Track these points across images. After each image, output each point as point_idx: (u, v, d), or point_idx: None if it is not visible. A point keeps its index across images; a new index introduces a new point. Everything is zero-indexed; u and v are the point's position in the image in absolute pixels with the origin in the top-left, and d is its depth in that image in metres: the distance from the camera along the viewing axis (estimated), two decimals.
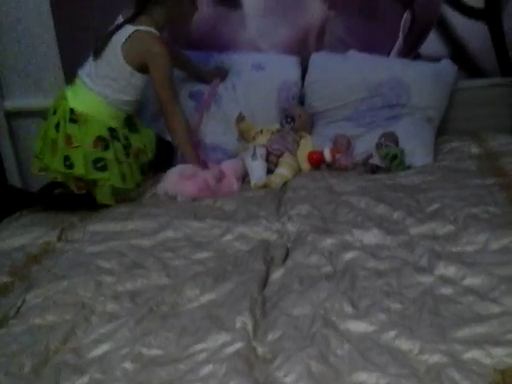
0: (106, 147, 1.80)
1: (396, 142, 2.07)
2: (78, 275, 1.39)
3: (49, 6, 2.43)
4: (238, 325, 1.13)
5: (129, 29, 1.83)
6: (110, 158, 1.80)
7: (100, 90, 1.86)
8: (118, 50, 1.83)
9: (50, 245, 1.60)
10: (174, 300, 1.26)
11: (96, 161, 1.79)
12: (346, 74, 2.27)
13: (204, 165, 2.00)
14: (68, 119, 1.81)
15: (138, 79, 1.87)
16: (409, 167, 2.03)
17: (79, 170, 1.76)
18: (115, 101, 1.87)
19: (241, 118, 2.18)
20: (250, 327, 1.12)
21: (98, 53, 1.86)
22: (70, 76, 2.51)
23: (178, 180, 1.88)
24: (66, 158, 1.78)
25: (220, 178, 1.91)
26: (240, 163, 2.04)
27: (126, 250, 1.54)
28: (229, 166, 2.00)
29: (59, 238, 1.64)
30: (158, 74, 1.84)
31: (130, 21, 1.83)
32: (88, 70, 1.91)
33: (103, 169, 1.79)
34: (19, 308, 1.28)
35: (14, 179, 2.68)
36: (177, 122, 1.96)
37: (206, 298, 1.26)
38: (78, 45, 2.48)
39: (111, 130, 1.85)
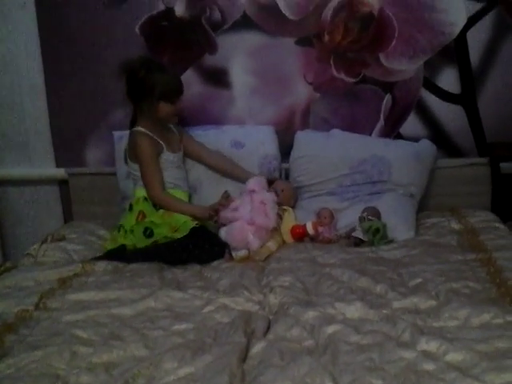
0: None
1: (378, 217, 2.11)
2: (53, 345, 1.35)
3: (42, 78, 2.52)
4: None
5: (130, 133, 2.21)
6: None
7: None
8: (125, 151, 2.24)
9: (27, 313, 1.56)
10: (151, 373, 1.22)
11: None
12: (330, 151, 2.35)
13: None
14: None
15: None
16: (391, 241, 2.05)
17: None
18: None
19: (226, 196, 2.21)
20: None
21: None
22: (58, 148, 2.58)
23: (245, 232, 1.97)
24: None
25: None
26: (263, 180, 2.19)
27: (104, 319, 1.50)
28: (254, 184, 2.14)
29: (37, 306, 1.61)
30: (140, 163, 2.14)
31: (130, 126, 2.21)
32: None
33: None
34: None
35: None
36: (162, 201, 2.12)
37: (184, 370, 1.22)
38: (67, 118, 2.56)
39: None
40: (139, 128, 2.14)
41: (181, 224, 2.05)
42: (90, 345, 1.36)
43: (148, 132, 2.14)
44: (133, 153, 2.16)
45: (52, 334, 1.42)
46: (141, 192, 2.18)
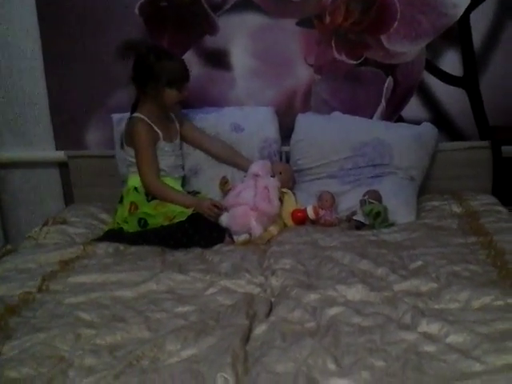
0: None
1: (379, 200, 2.11)
2: (56, 327, 1.36)
3: (42, 62, 2.50)
4: (220, 381, 1.10)
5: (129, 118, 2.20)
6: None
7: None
8: (122, 135, 2.23)
9: (30, 295, 1.56)
10: (155, 354, 1.23)
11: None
12: (331, 134, 2.34)
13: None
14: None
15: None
16: (392, 224, 2.06)
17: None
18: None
19: (224, 181, 2.21)
20: (231, 383, 1.10)
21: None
22: (57, 130, 2.57)
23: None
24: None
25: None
26: (267, 163, 2.21)
27: (107, 301, 1.51)
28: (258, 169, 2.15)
29: (40, 289, 1.62)
30: (136, 149, 2.13)
31: (131, 111, 2.19)
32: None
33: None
34: None
35: None
36: (155, 189, 2.12)
37: (187, 352, 1.23)
38: (67, 101, 2.55)
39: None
40: (139, 114, 2.13)
41: (177, 213, 2.05)
42: (93, 327, 1.37)
43: (147, 119, 2.13)
44: (130, 138, 2.15)
45: (55, 316, 1.43)
46: (132, 180, 2.17)
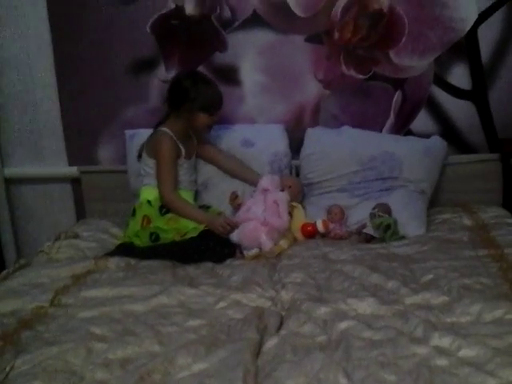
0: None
1: (389, 213, 2.11)
2: (68, 341, 1.36)
3: (54, 77, 2.55)
4: None
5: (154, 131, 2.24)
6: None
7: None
8: (144, 146, 2.25)
9: (43, 309, 1.58)
10: (166, 368, 1.23)
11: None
12: (340, 148, 2.35)
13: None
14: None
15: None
16: (402, 237, 2.05)
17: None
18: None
19: (234, 196, 2.22)
20: None
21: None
22: (70, 146, 2.61)
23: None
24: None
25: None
26: (276, 178, 2.22)
27: (118, 315, 1.52)
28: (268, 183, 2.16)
29: (52, 303, 1.63)
30: (159, 161, 2.16)
31: (157, 125, 2.24)
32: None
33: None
34: (7, 374, 1.24)
35: (10, 244, 2.69)
36: (172, 201, 2.14)
37: (198, 366, 1.23)
38: (80, 117, 2.58)
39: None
40: (166, 129, 2.18)
41: (189, 229, 2.06)
42: (105, 341, 1.37)
43: (172, 135, 2.17)
44: (153, 149, 2.18)
45: (67, 331, 1.44)
46: (146, 193, 2.19)
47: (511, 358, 1.16)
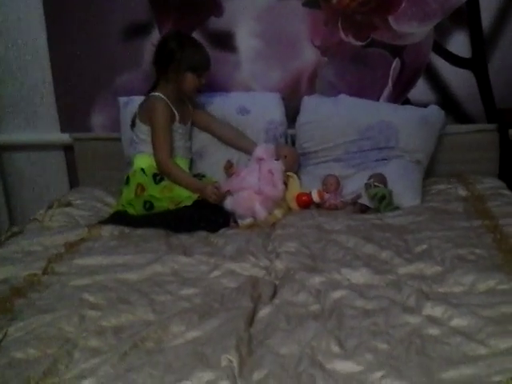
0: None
1: (385, 183, 2.10)
2: (62, 309, 1.37)
3: (46, 44, 2.49)
4: (224, 363, 1.11)
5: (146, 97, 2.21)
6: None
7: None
8: (136, 113, 2.22)
9: (36, 277, 1.57)
10: (159, 336, 1.24)
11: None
12: (337, 117, 2.32)
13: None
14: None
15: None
16: (397, 208, 2.05)
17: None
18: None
19: (229, 165, 2.20)
20: (235, 365, 1.11)
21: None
22: (63, 113, 2.57)
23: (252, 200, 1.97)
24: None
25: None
26: (271, 147, 2.19)
27: (112, 284, 1.52)
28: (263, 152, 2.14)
29: (45, 271, 1.63)
30: (153, 126, 2.14)
31: (149, 91, 2.20)
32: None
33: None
34: (0, 341, 1.25)
35: (2, 211, 2.68)
36: (167, 167, 2.12)
37: (192, 334, 1.24)
38: (73, 83, 2.54)
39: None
40: (158, 93, 2.15)
41: (183, 198, 2.06)
42: (99, 309, 1.38)
43: (166, 99, 2.15)
44: (146, 115, 2.16)
45: (60, 298, 1.44)
46: (139, 160, 2.18)
47: (502, 327, 1.18)
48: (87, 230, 1.92)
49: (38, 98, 2.58)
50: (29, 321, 1.32)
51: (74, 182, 2.65)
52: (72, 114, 2.58)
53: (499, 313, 1.24)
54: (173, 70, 2.12)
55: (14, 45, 2.51)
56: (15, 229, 2.01)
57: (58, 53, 2.51)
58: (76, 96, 2.55)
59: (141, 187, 2.12)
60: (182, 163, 2.21)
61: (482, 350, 1.11)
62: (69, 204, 2.20)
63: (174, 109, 2.17)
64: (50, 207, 2.14)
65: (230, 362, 1.11)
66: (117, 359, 1.15)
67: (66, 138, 2.59)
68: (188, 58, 2.11)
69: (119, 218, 2.05)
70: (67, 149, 2.64)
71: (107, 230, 1.93)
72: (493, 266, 1.48)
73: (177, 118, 2.19)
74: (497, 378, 1.01)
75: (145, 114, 2.17)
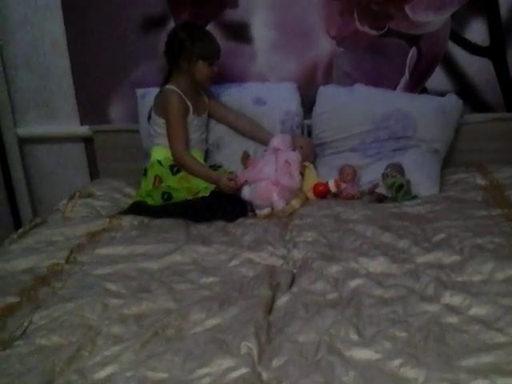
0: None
1: (402, 173, 2.09)
2: (84, 297, 1.40)
3: (65, 37, 2.52)
4: (243, 350, 1.13)
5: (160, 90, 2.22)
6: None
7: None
8: (152, 106, 2.23)
9: (59, 266, 1.61)
10: (180, 324, 1.27)
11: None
12: (353, 107, 2.31)
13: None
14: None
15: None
16: (415, 197, 2.04)
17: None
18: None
19: (246, 156, 2.21)
20: (255, 352, 1.12)
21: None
22: (82, 105, 2.60)
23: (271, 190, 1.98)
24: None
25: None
26: (288, 137, 2.19)
27: (133, 273, 1.55)
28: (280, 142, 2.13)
29: (68, 260, 1.66)
30: (167, 119, 2.15)
31: (163, 84, 2.22)
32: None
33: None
34: (25, 329, 1.29)
35: (25, 203, 2.72)
36: (183, 159, 2.13)
37: (212, 322, 1.26)
38: (91, 75, 2.56)
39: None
40: (172, 86, 2.16)
41: (201, 188, 2.07)
42: (120, 297, 1.41)
43: (179, 91, 2.16)
44: (161, 109, 2.17)
45: (83, 287, 1.47)
46: (156, 153, 2.20)
47: None
48: (108, 221, 1.95)
49: (57, 91, 2.60)
50: (53, 309, 1.36)
51: (94, 174, 2.68)
52: (91, 107, 2.60)
53: None
54: (184, 59, 2.13)
55: (32, 37, 2.53)
56: (38, 220, 2.04)
57: (76, 45, 2.52)
58: (95, 88, 2.57)
59: (158, 179, 2.14)
60: (198, 155, 2.23)
61: (501, 338, 1.11)
62: (90, 195, 2.23)
63: (187, 101, 2.18)
64: (71, 198, 2.17)
65: (250, 349, 1.13)
66: (138, 346, 1.17)
67: (85, 130, 2.62)
68: (198, 46, 2.11)
69: (138, 209, 2.08)
70: (87, 141, 2.67)
71: (127, 220, 1.96)
72: (511, 255, 1.47)
73: (191, 110, 2.19)
74: None
75: (159, 107, 2.18)
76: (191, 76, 2.17)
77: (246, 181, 2.05)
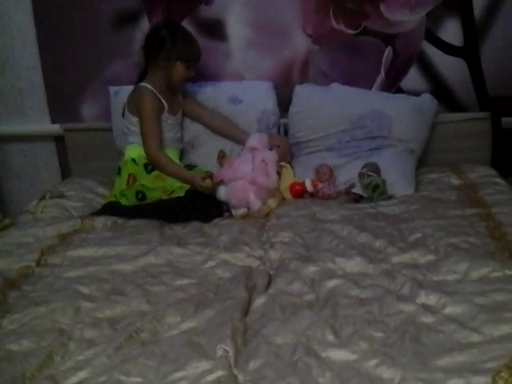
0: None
1: (378, 173, 2.10)
2: (56, 301, 1.37)
3: (35, 34, 2.46)
4: (219, 353, 1.12)
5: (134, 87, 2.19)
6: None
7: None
8: (125, 104, 2.20)
9: (29, 269, 1.57)
10: (154, 327, 1.25)
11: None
12: (329, 106, 2.31)
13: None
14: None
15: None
16: (391, 197, 2.05)
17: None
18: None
19: (222, 155, 2.19)
20: (231, 355, 1.11)
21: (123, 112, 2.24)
22: (53, 103, 2.54)
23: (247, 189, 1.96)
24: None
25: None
26: (265, 136, 2.17)
27: (106, 275, 1.52)
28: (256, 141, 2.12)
29: (38, 263, 1.62)
30: (141, 117, 2.12)
31: (137, 81, 2.19)
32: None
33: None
34: None
35: None
36: (156, 158, 2.10)
37: (187, 325, 1.25)
38: (62, 73, 2.51)
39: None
40: (146, 84, 2.14)
41: (176, 188, 2.05)
42: (93, 300, 1.38)
43: (153, 89, 2.13)
44: (135, 107, 2.15)
45: (55, 290, 1.44)
46: (130, 151, 2.16)
47: (495, 314, 1.18)
48: (80, 222, 1.91)
49: (27, 89, 2.54)
50: (23, 313, 1.32)
51: (65, 173, 2.63)
52: (62, 105, 2.55)
53: (492, 300, 1.24)
54: (162, 57, 2.11)
55: (2, 35, 2.47)
56: (7, 221, 1.99)
57: (47, 42, 2.47)
58: (66, 86, 2.52)
59: (132, 177, 2.11)
60: (172, 154, 2.20)
61: (476, 338, 1.12)
62: (61, 195, 2.19)
63: (162, 99, 2.15)
64: (42, 199, 2.13)
65: (226, 351, 1.11)
66: (112, 350, 1.15)
67: (56, 128, 2.57)
68: (179, 47, 2.10)
69: (112, 209, 2.04)
70: (58, 139, 2.62)
71: (100, 221, 1.93)
72: (486, 254, 1.49)
73: (165, 108, 2.17)
74: (490, 365, 1.02)
75: (133, 104, 2.15)
76: (167, 75, 2.14)
77: (222, 180, 2.04)
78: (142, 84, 2.14)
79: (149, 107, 2.11)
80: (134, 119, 2.14)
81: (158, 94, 2.13)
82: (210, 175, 2.05)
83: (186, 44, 2.12)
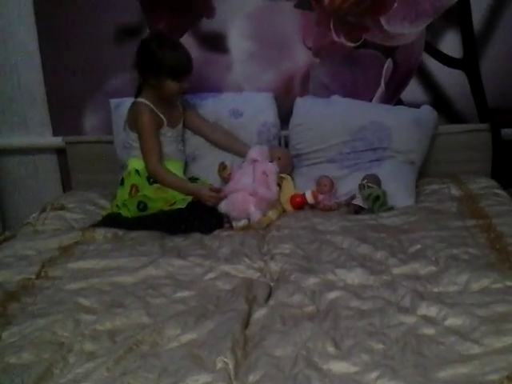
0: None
1: (378, 184, 2.10)
2: (56, 313, 1.36)
3: (37, 46, 2.48)
4: (219, 365, 1.11)
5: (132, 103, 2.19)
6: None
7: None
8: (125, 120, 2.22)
9: (29, 281, 1.57)
10: (154, 339, 1.24)
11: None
12: (330, 118, 2.32)
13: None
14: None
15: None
16: (391, 208, 2.05)
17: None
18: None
19: (223, 167, 2.19)
20: (231, 367, 1.11)
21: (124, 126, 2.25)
22: (55, 116, 2.56)
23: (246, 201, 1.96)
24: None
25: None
26: (265, 148, 2.18)
27: (106, 287, 1.52)
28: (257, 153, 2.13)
29: (39, 275, 1.62)
30: (139, 134, 2.13)
31: (135, 96, 2.19)
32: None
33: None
34: None
35: None
36: (157, 174, 2.11)
37: (187, 337, 1.24)
38: (63, 86, 2.53)
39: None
40: (143, 100, 2.13)
41: (177, 199, 2.05)
42: (93, 312, 1.37)
43: (150, 104, 2.12)
44: (133, 123, 2.15)
45: (55, 303, 1.43)
46: (133, 163, 2.17)
47: (496, 326, 1.18)
48: (81, 234, 1.91)
49: (29, 102, 2.56)
50: (23, 325, 1.32)
51: (67, 186, 2.64)
52: (64, 117, 2.56)
53: (493, 312, 1.24)
54: (152, 75, 2.09)
55: (4, 48, 2.49)
56: (8, 233, 1.99)
57: (49, 55, 2.49)
58: (68, 99, 2.54)
59: (135, 188, 2.11)
60: (176, 166, 2.20)
61: (477, 349, 1.12)
62: (62, 207, 2.19)
63: (160, 113, 2.14)
64: (43, 211, 2.13)
65: (226, 364, 1.11)
66: (112, 363, 1.14)
67: (58, 141, 2.58)
68: (167, 64, 2.05)
69: (112, 221, 2.04)
70: (60, 152, 2.63)
71: (101, 234, 1.92)
72: (486, 265, 1.49)
73: (164, 122, 2.16)
74: (491, 377, 1.01)
75: (131, 121, 2.16)
76: (159, 91, 2.12)
77: (225, 194, 2.04)
78: (139, 100, 2.14)
79: (146, 124, 2.10)
80: (134, 135, 2.15)
81: (155, 109, 2.12)
82: (219, 190, 2.05)
83: (173, 58, 2.06)
